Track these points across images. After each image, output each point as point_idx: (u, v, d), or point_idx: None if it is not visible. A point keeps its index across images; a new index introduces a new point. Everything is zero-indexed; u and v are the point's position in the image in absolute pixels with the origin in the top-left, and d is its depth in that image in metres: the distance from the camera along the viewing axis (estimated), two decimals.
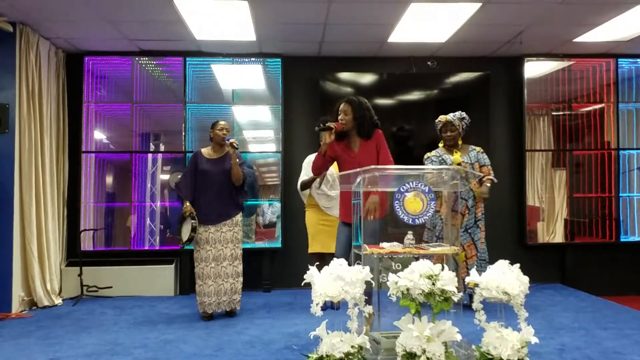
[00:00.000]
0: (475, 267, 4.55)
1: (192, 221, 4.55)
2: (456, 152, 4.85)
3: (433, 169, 4.02)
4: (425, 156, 4.93)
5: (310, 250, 4.98)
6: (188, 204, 4.63)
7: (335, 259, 3.17)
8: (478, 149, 4.96)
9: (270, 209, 6.28)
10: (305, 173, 5.04)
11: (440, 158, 4.82)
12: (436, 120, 4.93)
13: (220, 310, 4.67)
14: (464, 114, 4.86)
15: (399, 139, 6.07)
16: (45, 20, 5.03)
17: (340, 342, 3.05)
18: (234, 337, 4.04)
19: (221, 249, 4.62)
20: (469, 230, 4.79)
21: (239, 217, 4.75)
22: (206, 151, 4.78)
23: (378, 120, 3.94)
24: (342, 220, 3.96)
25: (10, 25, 4.95)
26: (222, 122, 4.75)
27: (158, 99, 6.18)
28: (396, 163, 3.86)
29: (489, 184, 4.82)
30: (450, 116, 4.82)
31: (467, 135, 5.01)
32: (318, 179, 4.93)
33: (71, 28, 5.26)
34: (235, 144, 4.58)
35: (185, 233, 4.60)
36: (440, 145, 4.92)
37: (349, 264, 3.24)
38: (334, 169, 4.92)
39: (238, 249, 4.70)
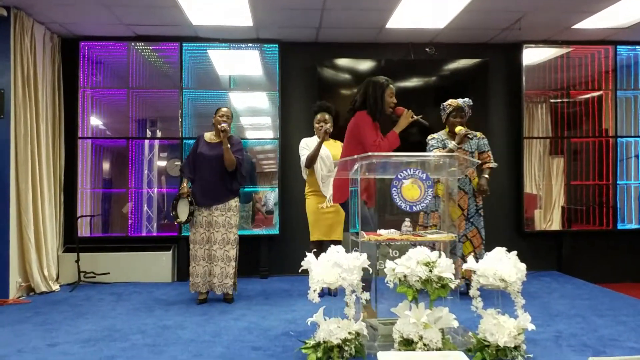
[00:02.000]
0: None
1: (190, 206, 4.66)
2: (459, 129, 4.69)
3: (434, 155, 4.00)
4: (430, 136, 4.90)
5: (312, 238, 4.96)
6: (185, 184, 4.72)
7: None
8: (479, 134, 4.92)
9: (268, 196, 6.27)
10: (307, 150, 4.98)
11: (442, 142, 4.80)
12: (445, 104, 4.85)
13: (211, 291, 4.74)
14: (470, 101, 4.84)
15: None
16: (40, 5, 4.97)
17: (337, 329, 3.07)
18: (231, 323, 4.05)
19: (213, 232, 4.68)
20: (472, 220, 4.79)
21: (233, 203, 4.76)
22: (208, 135, 4.86)
23: None
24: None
25: (4, 9, 4.89)
26: (223, 109, 4.79)
27: (154, 85, 6.13)
28: (395, 149, 3.86)
29: (487, 175, 4.78)
30: (460, 102, 4.78)
31: (466, 122, 4.98)
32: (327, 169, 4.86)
33: (66, 12, 5.20)
34: (222, 129, 4.60)
35: (183, 213, 4.71)
36: (445, 130, 4.88)
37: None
38: (329, 151, 4.91)
39: (230, 234, 4.71)
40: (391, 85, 3.96)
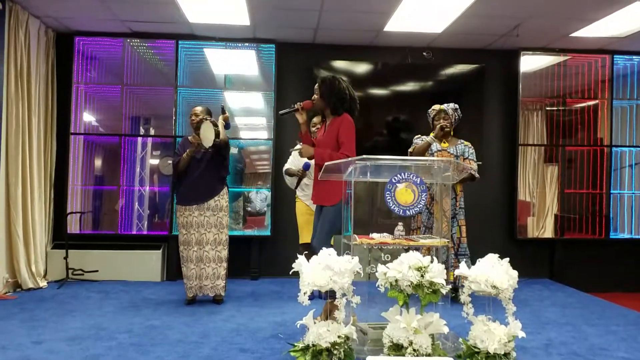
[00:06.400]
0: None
1: (215, 127, 4.44)
2: (444, 142, 4.86)
3: (425, 160, 3.97)
4: (417, 136, 4.99)
5: (300, 241, 4.95)
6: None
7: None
8: (467, 143, 4.94)
9: (260, 197, 6.23)
10: (291, 161, 5.02)
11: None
12: (429, 110, 4.96)
13: (203, 294, 4.69)
14: (457, 106, 4.90)
15: (392, 129, 6.04)
16: None
17: (326, 332, 3.03)
18: (219, 325, 4.01)
19: (204, 233, 4.62)
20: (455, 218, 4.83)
21: (224, 203, 4.71)
22: (190, 137, 4.78)
23: (354, 106, 3.87)
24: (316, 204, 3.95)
25: None
26: (195, 108, 4.77)
27: (149, 82, 6.09)
28: (389, 153, 3.81)
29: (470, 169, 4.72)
30: (444, 105, 4.86)
31: (460, 127, 5.02)
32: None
33: (62, 6, 5.15)
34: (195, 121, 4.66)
35: (206, 137, 4.50)
36: (432, 134, 4.90)
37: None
38: None
39: (222, 234, 4.68)
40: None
